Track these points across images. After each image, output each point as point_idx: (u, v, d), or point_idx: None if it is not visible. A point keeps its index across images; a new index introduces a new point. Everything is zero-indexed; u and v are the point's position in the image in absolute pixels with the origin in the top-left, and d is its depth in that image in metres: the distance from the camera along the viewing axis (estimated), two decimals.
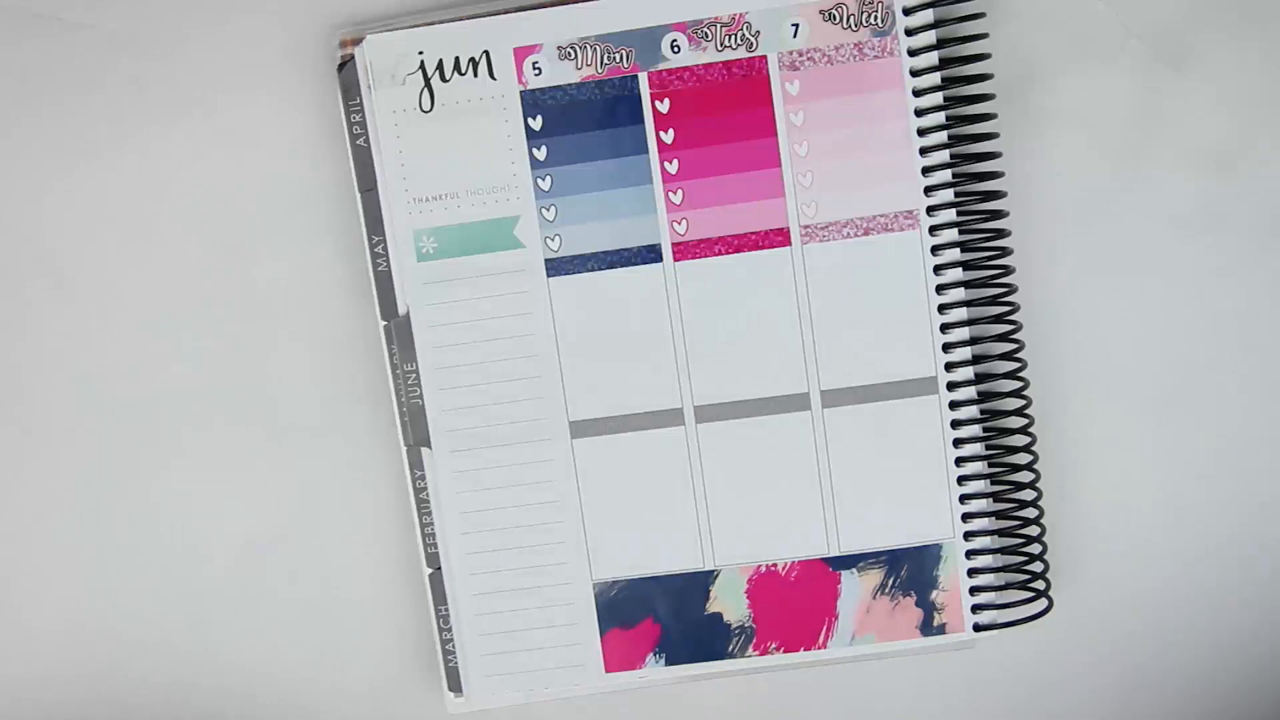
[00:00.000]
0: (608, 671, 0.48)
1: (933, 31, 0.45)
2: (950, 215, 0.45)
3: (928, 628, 0.47)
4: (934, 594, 0.47)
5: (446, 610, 0.48)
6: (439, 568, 0.48)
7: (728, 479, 0.47)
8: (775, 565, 0.47)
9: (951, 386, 0.46)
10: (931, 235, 0.46)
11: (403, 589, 0.49)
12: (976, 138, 0.45)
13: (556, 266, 0.46)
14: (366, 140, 0.46)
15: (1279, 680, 0.49)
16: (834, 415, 0.46)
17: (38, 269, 0.48)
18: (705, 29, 0.45)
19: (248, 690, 0.50)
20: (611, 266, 0.46)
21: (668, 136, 0.46)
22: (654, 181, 0.46)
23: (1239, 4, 0.46)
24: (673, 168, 0.46)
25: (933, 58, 0.45)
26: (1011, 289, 0.46)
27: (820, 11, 0.45)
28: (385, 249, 0.47)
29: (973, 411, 0.46)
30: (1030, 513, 0.47)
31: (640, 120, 0.46)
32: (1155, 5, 0.46)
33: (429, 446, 0.47)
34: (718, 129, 0.46)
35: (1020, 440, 0.46)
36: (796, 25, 0.45)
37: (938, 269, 0.46)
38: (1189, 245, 0.47)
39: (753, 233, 0.46)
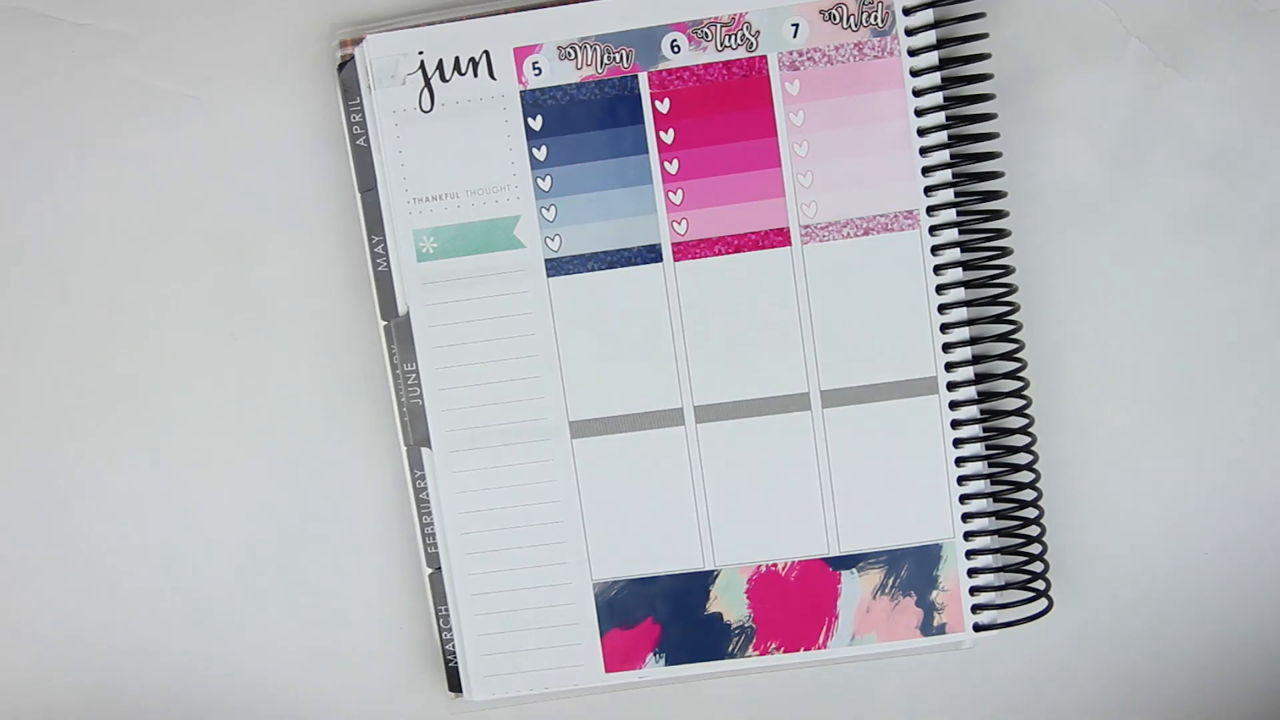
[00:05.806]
0: (608, 671, 0.48)
1: (933, 31, 0.45)
2: (950, 215, 0.45)
3: (928, 628, 0.47)
4: (934, 594, 0.47)
5: (446, 610, 0.48)
6: (439, 568, 0.48)
7: (728, 479, 0.47)
8: (775, 565, 0.47)
9: (951, 386, 0.46)
10: (931, 235, 0.46)
11: (403, 589, 0.49)
12: (976, 138, 0.45)
13: (556, 266, 0.46)
14: (366, 140, 0.46)
15: (1279, 681, 0.49)
16: (834, 415, 0.46)
17: (38, 269, 0.48)
18: (705, 29, 0.45)
19: (248, 690, 0.50)
20: (611, 266, 0.46)
21: (668, 136, 0.46)
22: (654, 181, 0.46)
23: (1239, 4, 0.46)
24: (673, 168, 0.46)
25: (933, 58, 0.45)
26: (1011, 289, 0.46)
27: (820, 11, 0.45)
28: (385, 249, 0.47)
29: (973, 411, 0.46)
30: (1030, 513, 0.47)
31: (640, 120, 0.46)
32: (1155, 5, 0.46)
33: (429, 446, 0.47)
34: (718, 129, 0.46)
35: (1020, 440, 0.46)
36: (796, 25, 0.45)
37: (938, 269, 0.46)
38: (1189, 245, 0.47)
39: (753, 233, 0.46)
